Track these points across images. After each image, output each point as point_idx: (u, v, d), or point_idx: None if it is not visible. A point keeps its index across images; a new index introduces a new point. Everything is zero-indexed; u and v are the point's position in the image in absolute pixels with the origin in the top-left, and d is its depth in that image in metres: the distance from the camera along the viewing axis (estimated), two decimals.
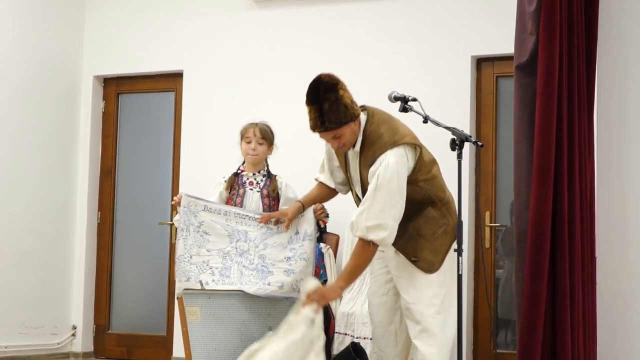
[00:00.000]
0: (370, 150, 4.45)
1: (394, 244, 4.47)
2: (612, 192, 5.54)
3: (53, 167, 7.49)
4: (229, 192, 5.46)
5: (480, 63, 6.59)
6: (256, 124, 5.50)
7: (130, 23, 7.66)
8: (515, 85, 5.18)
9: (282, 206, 5.41)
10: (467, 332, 6.29)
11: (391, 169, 4.34)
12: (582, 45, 5.30)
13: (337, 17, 6.93)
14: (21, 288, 7.14)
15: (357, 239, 4.50)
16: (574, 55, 5.17)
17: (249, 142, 5.44)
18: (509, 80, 5.92)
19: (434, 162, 4.55)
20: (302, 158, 6.44)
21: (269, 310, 4.87)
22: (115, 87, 7.85)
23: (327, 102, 4.40)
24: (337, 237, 6.54)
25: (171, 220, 7.43)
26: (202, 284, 5.07)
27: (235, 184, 5.46)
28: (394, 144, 4.40)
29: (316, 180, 4.98)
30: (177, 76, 7.54)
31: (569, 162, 5.05)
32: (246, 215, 5.01)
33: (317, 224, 5.13)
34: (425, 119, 4.28)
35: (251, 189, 5.44)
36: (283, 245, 4.91)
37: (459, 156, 4.11)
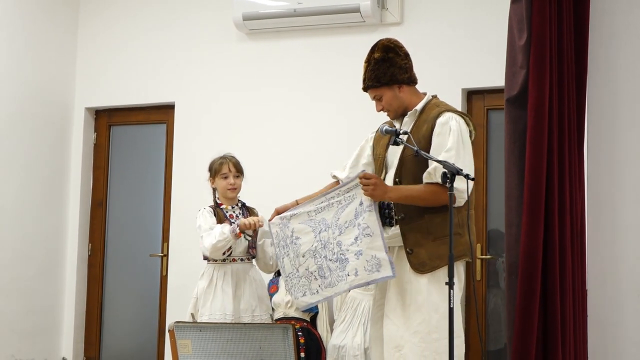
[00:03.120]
0: (435, 110, 4.46)
1: (402, 222, 4.41)
2: (602, 224, 5.55)
3: (44, 199, 7.48)
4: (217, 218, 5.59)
5: (471, 96, 6.63)
6: (227, 158, 5.62)
7: (122, 55, 7.69)
8: (505, 118, 5.21)
9: (259, 239, 5.54)
10: None
11: (462, 126, 4.37)
12: (572, 77, 5.34)
13: (328, 49, 6.97)
14: (11, 319, 7.10)
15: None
16: (564, 88, 5.20)
17: (226, 178, 5.54)
18: (500, 112, 5.95)
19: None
20: (300, 189, 6.46)
21: (261, 343, 4.87)
22: (106, 119, 7.87)
23: (373, 60, 4.49)
24: None
25: (162, 252, 7.44)
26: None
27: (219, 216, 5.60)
28: (462, 115, 4.47)
29: (333, 177, 4.92)
30: (168, 108, 7.56)
31: (559, 195, 5.07)
32: (321, 201, 4.71)
33: None
34: (417, 152, 4.28)
35: (233, 222, 5.54)
36: (352, 223, 4.52)
37: (450, 189, 4.11)
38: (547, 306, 4.97)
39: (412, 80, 4.59)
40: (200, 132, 7.32)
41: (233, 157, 5.65)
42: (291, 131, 7.06)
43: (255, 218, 5.32)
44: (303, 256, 4.67)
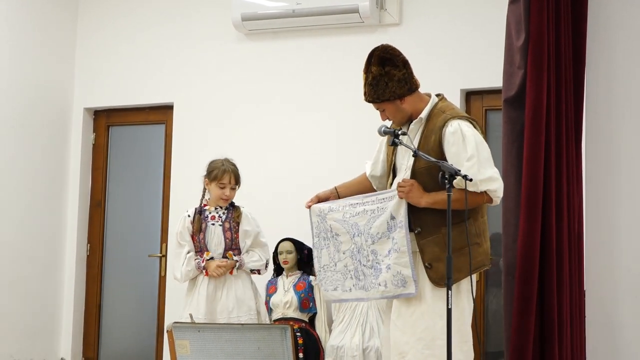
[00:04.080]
0: (440, 118, 4.37)
1: (419, 237, 4.34)
2: (600, 225, 5.56)
3: (43, 199, 7.48)
4: (194, 228, 5.66)
5: (469, 96, 6.63)
6: (230, 168, 5.64)
7: (121, 56, 7.68)
8: (503, 118, 5.21)
9: (241, 238, 5.62)
10: None
11: (472, 131, 4.31)
12: (570, 77, 5.34)
13: (327, 49, 6.97)
14: (10, 320, 7.10)
15: None
16: (562, 88, 5.21)
17: (223, 188, 5.60)
18: (498, 113, 5.95)
19: None
20: (298, 188, 6.45)
21: (259, 344, 4.87)
22: (105, 119, 7.86)
23: (370, 74, 4.40)
24: None
25: (161, 253, 7.44)
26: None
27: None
28: (469, 119, 4.40)
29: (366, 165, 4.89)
30: (167, 108, 7.56)
31: (557, 195, 5.08)
32: (357, 203, 4.60)
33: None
34: (415, 153, 4.27)
35: (213, 224, 5.59)
36: (386, 235, 4.45)
37: (449, 190, 4.11)
38: (544, 307, 4.97)
39: (413, 89, 4.46)
40: (199, 133, 7.32)
41: (235, 168, 5.66)
42: (290, 131, 7.06)
43: (224, 265, 5.51)
44: (344, 253, 4.62)
